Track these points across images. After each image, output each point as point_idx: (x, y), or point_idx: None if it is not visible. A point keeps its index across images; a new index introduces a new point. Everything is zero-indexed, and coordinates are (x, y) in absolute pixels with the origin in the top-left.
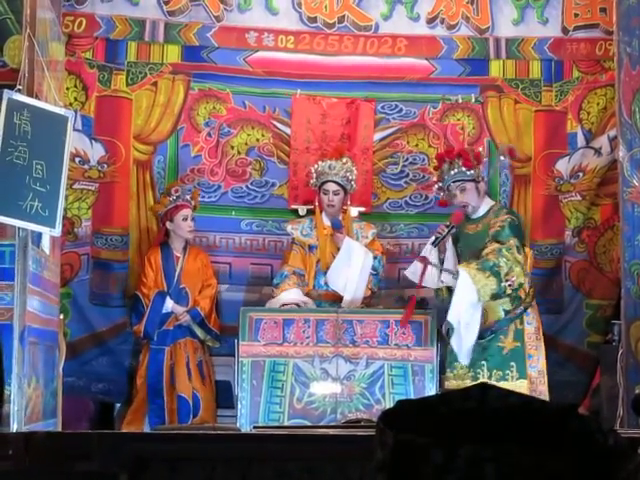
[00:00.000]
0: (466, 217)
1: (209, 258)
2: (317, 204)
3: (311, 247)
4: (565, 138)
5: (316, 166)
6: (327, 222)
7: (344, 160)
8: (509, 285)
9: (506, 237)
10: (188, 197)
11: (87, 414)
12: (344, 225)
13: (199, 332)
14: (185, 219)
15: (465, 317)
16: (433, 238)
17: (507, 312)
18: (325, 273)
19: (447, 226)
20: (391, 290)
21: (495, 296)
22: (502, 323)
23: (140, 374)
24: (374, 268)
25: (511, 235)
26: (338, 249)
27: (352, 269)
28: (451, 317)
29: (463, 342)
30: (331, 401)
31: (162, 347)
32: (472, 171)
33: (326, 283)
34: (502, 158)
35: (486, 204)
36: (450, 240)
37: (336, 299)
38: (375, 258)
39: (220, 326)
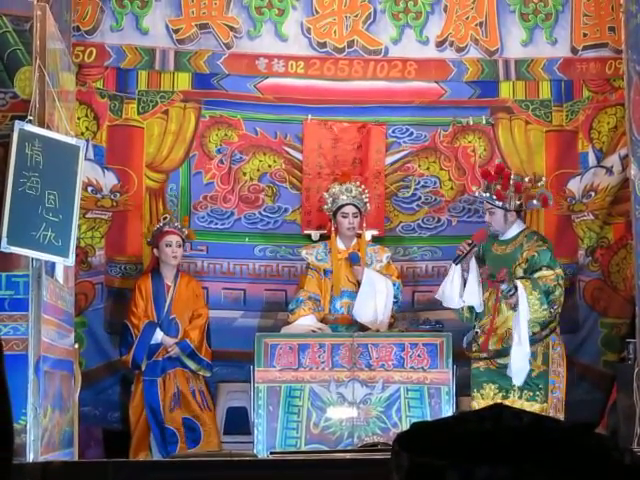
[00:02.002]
0: (495, 238)
1: (201, 287)
2: (332, 229)
3: (326, 271)
4: (576, 158)
5: (331, 191)
6: (342, 246)
7: (357, 183)
8: (551, 311)
9: (554, 265)
10: (177, 224)
11: (96, 441)
12: (359, 250)
13: (190, 363)
14: (169, 245)
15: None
16: (456, 256)
17: (533, 334)
18: (340, 297)
19: (469, 244)
20: (405, 313)
21: (545, 317)
22: (530, 340)
23: (134, 405)
24: (394, 295)
25: (556, 264)
26: (358, 282)
27: (378, 301)
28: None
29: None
30: (348, 425)
31: (154, 378)
32: (500, 202)
33: (342, 306)
34: (534, 202)
35: (517, 227)
36: (474, 260)
37: (352, 322)
38: (394, 285)
39: (234, 352)
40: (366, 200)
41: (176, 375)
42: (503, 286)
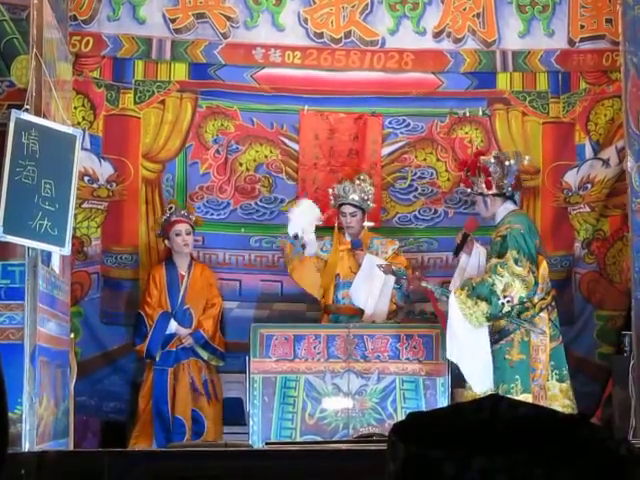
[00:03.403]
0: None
1: (215, 276)
2: (336, 223)
3: None
4: (573, 150)
5: (336, 188)
6: (347, 238)
7: (358, 182)
8: (507, 302)
9: (504, 250)
10: (184, 212)
11: (93, 431)
12: (363, 242)
13: (203, 353)
14: (179, 234)
15: (466, 346)
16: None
17: (500, 330)
18: (343, 288)
19: (463, 234)
20: (402, 304)
21: (492, 317)
22: (504, 332)
23: (143, 394)
24: (397, 282)
25: (510, 247)
26: (359, 266)
27: (374, 285)
28: (449, 354)
29: (473, 370)
30: (343, 416)
31: (165, 368)
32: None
33: (344, 297)
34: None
35: (504, 210)
36: (475, 251)
37: (354, 313)
38: (399, 271)
39: (230, 343)
40: (367, 198)
41: (190, 365)
42: (429, 285)
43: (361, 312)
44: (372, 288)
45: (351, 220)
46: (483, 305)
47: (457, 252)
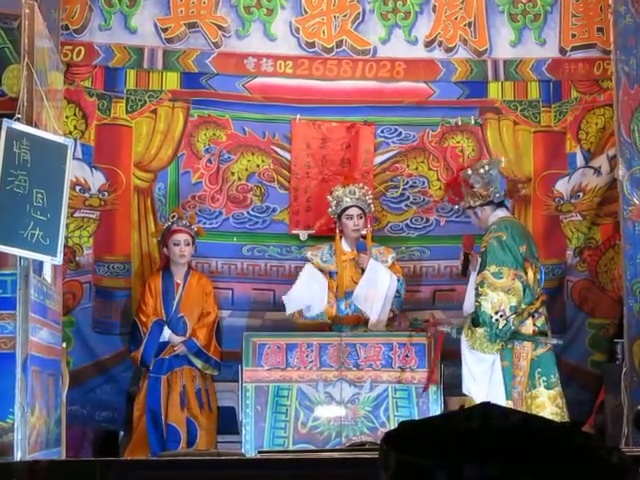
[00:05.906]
0: None
1: (212, 285)
2: (337, 231)
3: (331, 273)
4: (564, 158)
5: (334, 194)
6: (347, 248)
7: (360, 185)
8: (501, 316)
9: (483, 268)
10: (185, 222)
11: (87, 441)
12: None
13: (197, 362)
14: (177, 244)
15: (479, 377)
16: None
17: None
18: (345, 298)
19: (463, 254)
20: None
21: (494, 337)
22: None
23: (138, 402)
24: (397, 290)
25: (488, 263)
26: (362, 270)
27: (378, 290)
28: (464, 388)
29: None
30: (336, 425)
31: (159, 376)
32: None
33: (347, 307)
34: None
35: (493, 218)
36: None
37: (357, 323)
38: (398, 280)
39: (222, 352)
40: (369, 201)
41: (183, 373)
42: (445, 329)
43: (365, 321)
44: (377, 294)
45: (358, 222)
46: (480, 330)
47: (464, 272)
